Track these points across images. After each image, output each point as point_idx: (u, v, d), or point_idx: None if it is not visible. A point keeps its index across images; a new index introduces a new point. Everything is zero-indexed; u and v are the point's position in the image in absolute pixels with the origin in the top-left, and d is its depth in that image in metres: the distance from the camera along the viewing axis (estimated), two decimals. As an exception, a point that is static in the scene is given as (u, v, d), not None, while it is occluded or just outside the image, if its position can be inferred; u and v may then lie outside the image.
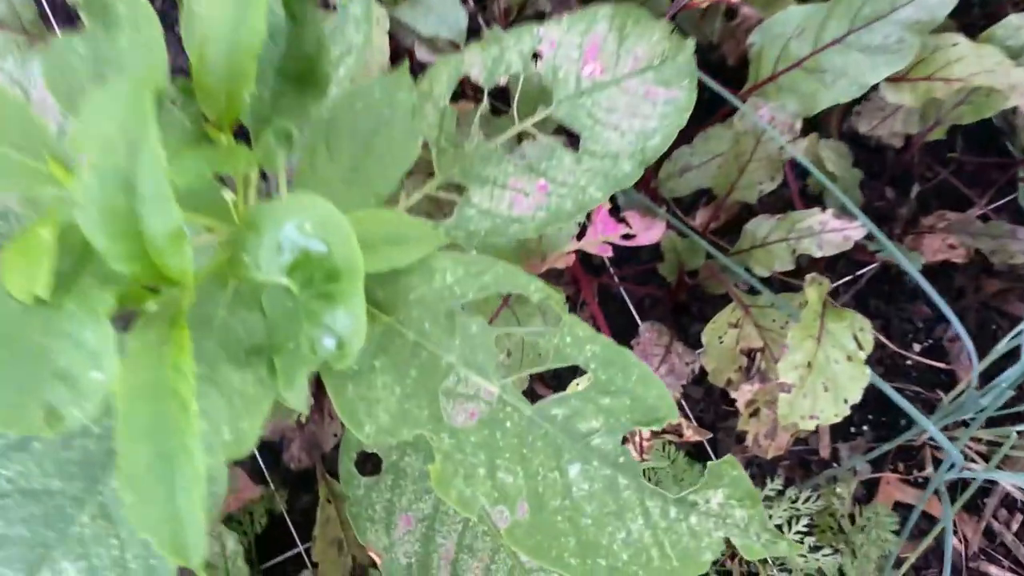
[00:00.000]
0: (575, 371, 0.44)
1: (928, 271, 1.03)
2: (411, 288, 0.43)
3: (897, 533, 0.95)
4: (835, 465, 0.97)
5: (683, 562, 0.41)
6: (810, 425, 0.66)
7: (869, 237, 0.99)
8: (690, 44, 0.59)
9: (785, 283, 0.99)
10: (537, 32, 0.55)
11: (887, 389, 0.76)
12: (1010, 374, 0.79)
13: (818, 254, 0.75)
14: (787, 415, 0.65)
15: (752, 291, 1.00)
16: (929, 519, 0.96)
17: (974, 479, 0.95)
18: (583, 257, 1.03)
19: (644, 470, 0.77)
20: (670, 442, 0.77)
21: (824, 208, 0.75)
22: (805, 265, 1.00)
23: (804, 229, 0.75)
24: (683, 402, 0.96)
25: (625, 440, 0.42)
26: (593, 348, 0.43)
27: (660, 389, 0.43)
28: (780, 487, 0.78)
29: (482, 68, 0.54)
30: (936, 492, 0.97)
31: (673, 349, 0.81)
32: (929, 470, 0.96)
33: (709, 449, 0.95)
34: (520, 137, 0.55)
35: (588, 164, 0.53)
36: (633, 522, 0.41)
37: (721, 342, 0.80)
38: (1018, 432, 0.94)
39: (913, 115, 1.00)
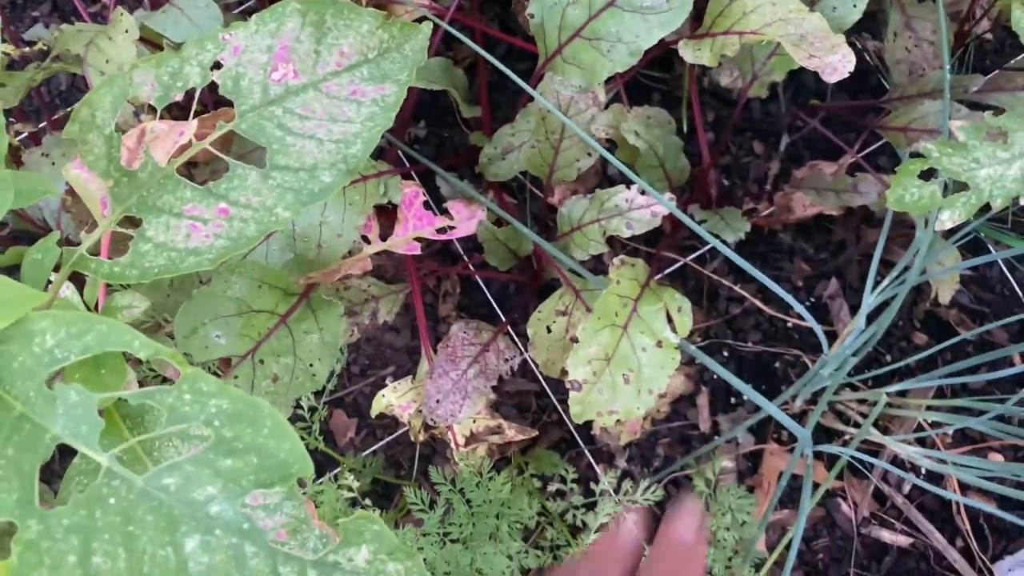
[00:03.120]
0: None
1: (805, 226, 0.98)
2: (13, 355, 0.39)
3: (784, 505, 0.91)
4: (717, 438, 0.93)
5: (323, 630, 0.38)
6: (609, 421, 0.62)
7: (745, 194, 0.94)
8: (424, 29, 0.54)
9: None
10: (222, 38, 0.50)
11: (721, 371, 0.71)
12: (851, 343, 0.74)
13: (627, 234, 0.70)
14: (580, 413, 0.61)
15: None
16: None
17: (848, 443, 0.91)
18: (443, 247, 0.98)
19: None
20: (496, 444, 0.74)
21: (629, 184, 0.70)
22: (663, 232, 0.95)
23: (611, 208, 0.70)
24: (547, 390, 0.92)
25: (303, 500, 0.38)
26: (219, 403, 0.39)
27: (293, 442, 0.39)
28: (615, 478, 0.74)
29: (155, 86, 0.49)
30: (822, 457, 0.93)
31: (493, 346, 0.77)
32: (812, 437, 0.92)
33: (578, 437, 0.91)
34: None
35: (278, 180, 0.48)
36: (260, 593, 0.37)
37: (549, 332, 0.75)
38: (890, 393, 0.89)
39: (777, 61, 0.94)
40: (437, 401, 0.72)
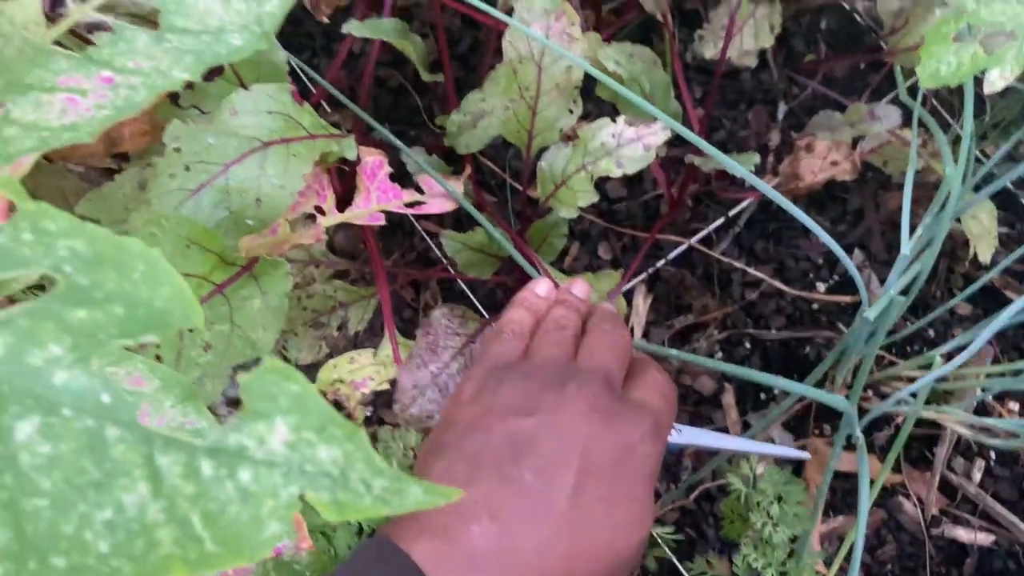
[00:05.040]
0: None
1: (817, 198, 0.88)
2: None
3: (837, 511, 0.77)
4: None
5: (226, 543, 0.26)
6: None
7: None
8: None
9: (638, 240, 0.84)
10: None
11: (723, 366, 0.60)
12: (896, 280, 0.63)
13: (617, 173, 0.60)
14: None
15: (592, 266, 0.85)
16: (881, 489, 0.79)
17: (899, 427, 0.78)
18: (419, 255, 0.89)
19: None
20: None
21: (614, 118, 0.61)
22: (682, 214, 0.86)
23: (597, 149, 0.61)
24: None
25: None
26: (71, 245, 0.28)
27: (175, 285, 0.28)
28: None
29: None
30: (873, 451, 0.80)
31: (481, 338, 0.66)
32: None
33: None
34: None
35: (175, 43, 0.39)
36: (128, 492, 0.26)
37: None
38: (943, 355, 0.77)
39: (763, 27, 0.87)
40: (412, 398, 0.61)
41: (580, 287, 0.61)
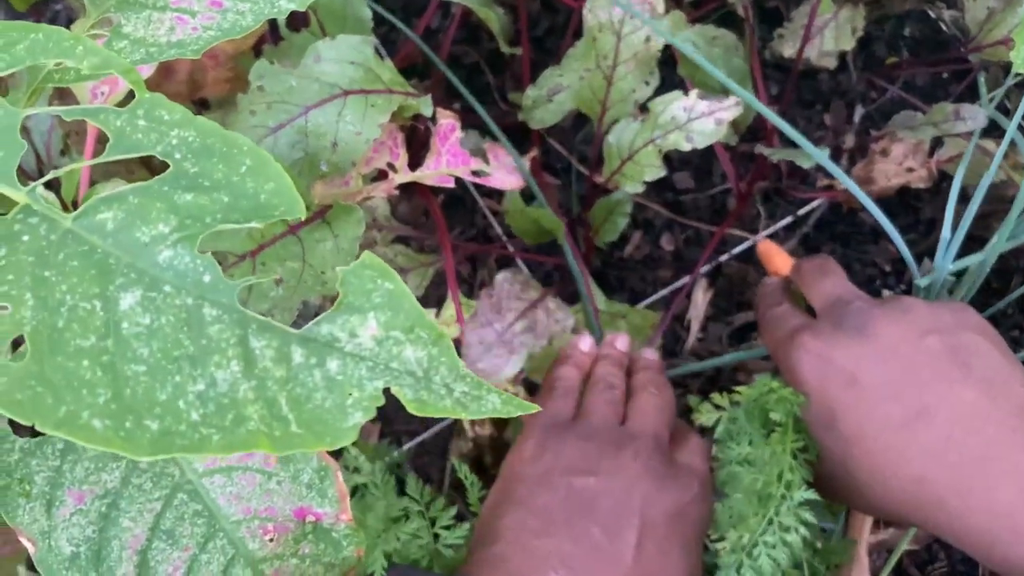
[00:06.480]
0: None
1: (890, 203, 0.87)
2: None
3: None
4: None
5: (310, 427, 0.26)
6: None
7: (819, 169, 0.84)
8: None
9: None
10: None
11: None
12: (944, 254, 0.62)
13: (687, 147, 0.60)
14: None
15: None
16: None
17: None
18: (479, 232, 0.89)
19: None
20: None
21: (687, 91, 0.61)
22: (729, 207, 0.85)
23: (667, 122, 0.61)
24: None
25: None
26: (183, 135, 0.28)
27: (281, 181, 0.28)
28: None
29: None
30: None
31: (542, 305, 0.66)
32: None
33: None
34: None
35: (288, -28, 0.40)
36: (221, 369, 0.26)
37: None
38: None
39: (845, 29, 0.86)
40: (479, 353, 0.61)
41: (622, 341, 0.65)
